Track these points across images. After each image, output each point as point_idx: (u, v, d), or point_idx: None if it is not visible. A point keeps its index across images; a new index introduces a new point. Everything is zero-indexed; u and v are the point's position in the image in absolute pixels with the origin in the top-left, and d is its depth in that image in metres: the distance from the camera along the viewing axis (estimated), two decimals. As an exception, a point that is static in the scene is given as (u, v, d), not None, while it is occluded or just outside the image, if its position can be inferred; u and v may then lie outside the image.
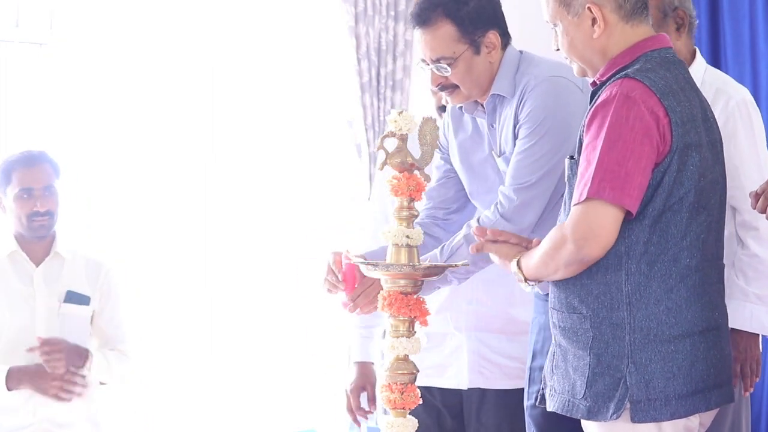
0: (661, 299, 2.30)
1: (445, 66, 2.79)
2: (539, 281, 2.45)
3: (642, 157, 2.26)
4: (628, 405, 2.29)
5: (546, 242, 2.36)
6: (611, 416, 2.30)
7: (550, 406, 2.44)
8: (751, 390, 2.92)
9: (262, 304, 5.10)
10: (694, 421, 2.35)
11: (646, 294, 2.30)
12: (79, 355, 3.48)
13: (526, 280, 2.45)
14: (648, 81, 2.30)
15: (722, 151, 2.43)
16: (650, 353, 2.29)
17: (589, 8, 2.37)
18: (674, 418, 2.30)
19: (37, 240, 3.55)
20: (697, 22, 3.15)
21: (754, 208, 2.35)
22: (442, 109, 3.13)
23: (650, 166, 2.27)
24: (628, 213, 2.28)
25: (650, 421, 2.30)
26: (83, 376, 3.46)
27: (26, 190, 3.51)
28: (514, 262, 2.45)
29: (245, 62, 5.03)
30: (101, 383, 3.57)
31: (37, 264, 3.56)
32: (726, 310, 2.44)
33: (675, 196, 2.29)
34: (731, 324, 2.86)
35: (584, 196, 2.27)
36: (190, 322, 4.95)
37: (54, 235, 3.58)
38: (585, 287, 2.34)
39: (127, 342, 3.66)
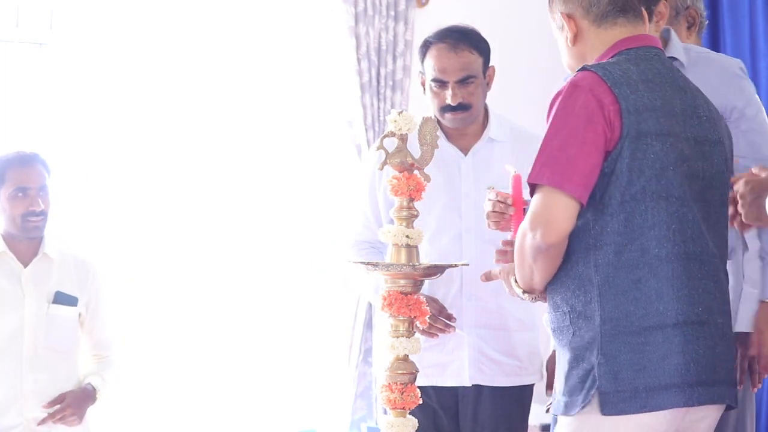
0: (628, 289, 2.27)
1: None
2: (533, 291, 2.42)
3: (585, 143, 2.25)
4: (597, 396, 2.26)
5: (515, 242, 2.37)
6: (579, 407, 2.28)
7: (551, 410, 2.44)
8: (760, 386, 2.95)
9: (261, 303, 5.10)
10: (669, 415, 2.28)
11: (614, 284, 2.27)
12: (87, 397, 3.54)
13: (524, 292, 2.45)
14: (601, 71, 2.29)
15: (716, 149, 2.39)
16: (619, 345, 2.26)
17: (562, 17, 2.42)
18: (643, 411, 2.26)
19: (27, 240, 3.54)
20: (707, 22, 3.18)
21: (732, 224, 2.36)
22: (444, 109, 3.17)
23: (596, 152, 2.25)
24: (595, 200, 2.26)
25: (618, 414, 2.26)
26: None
27: (21, 189, 3.49)
28: (512, 279, 2.45)
29: (245, 62, 5.03)
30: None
31: (26, 265, 3.53)
32: (724, 307, 2.38)
33: (636, 184, 2.26)
34: (743, 327, 2.89)
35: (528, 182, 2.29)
36: (190, 322, 4.95)
37: (42, 236, 3.57)
38: (564, 284, 2.34)
39: (112, 347, 3.67)
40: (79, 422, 3.50)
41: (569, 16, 2.42)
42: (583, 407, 2.27)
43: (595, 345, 2.28)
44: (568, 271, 2.32)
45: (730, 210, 2.37)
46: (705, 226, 2.35)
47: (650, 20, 2.54)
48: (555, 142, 2.27)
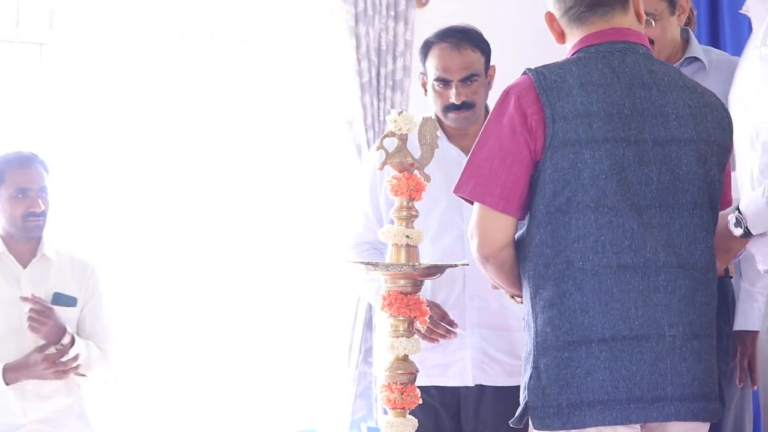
0: (554, 303, 2.21)
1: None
2: (515, 294, 2.42)
3: (508, 154, 2.23)
4: (528, 412, 2.23)
5: None
6: (514, 421, 2.27)
7: None
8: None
9: (261, 303, 5.10)
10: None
11: (543, 297, 2.23)
12: (60, 331, 3.45)
13: (511, 297, 2.46)
14: (536, 75, 2.25)
15: (687, 149, 2.25)
16: (547, 359, 2.21)
17: (546, 19, 2.42)
18: (566, 428, 2.19)
19: (26, 241, 3.54)
20: (696, 11, 3.20)
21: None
22: (448, 109, 3.17)
23: (518, 164, 2.22)
24: (530, 212, 2.25)
25: (545, 429, 2.21)
26: (70, 347, 3.45)
27: (22, 191, 3.50)
28: None
29: (246, 62, 5.03)
30: (79, 374, 3.53)
31: (25, 266, 3.54)
32: (685, 318, 2.22)
33: (561, 196, 2.20)
34: (744, 326, 2.89)
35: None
36: (189, 323, 4.95)
37: (41, 237, 3.57)
38: (523, 295, 2.34)
39: (109, 342, 3.65)
40: (38, 332, 3.41)
41: (551, 18, 2.41)
42: (523, 418, 2.27)
43: (531, 357, 2.25)
44: (522, 283, 2.32)
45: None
46: (661, 234, 2.22)
47: (673, 13, 2.54)
48: (482, 153, 2.27)
